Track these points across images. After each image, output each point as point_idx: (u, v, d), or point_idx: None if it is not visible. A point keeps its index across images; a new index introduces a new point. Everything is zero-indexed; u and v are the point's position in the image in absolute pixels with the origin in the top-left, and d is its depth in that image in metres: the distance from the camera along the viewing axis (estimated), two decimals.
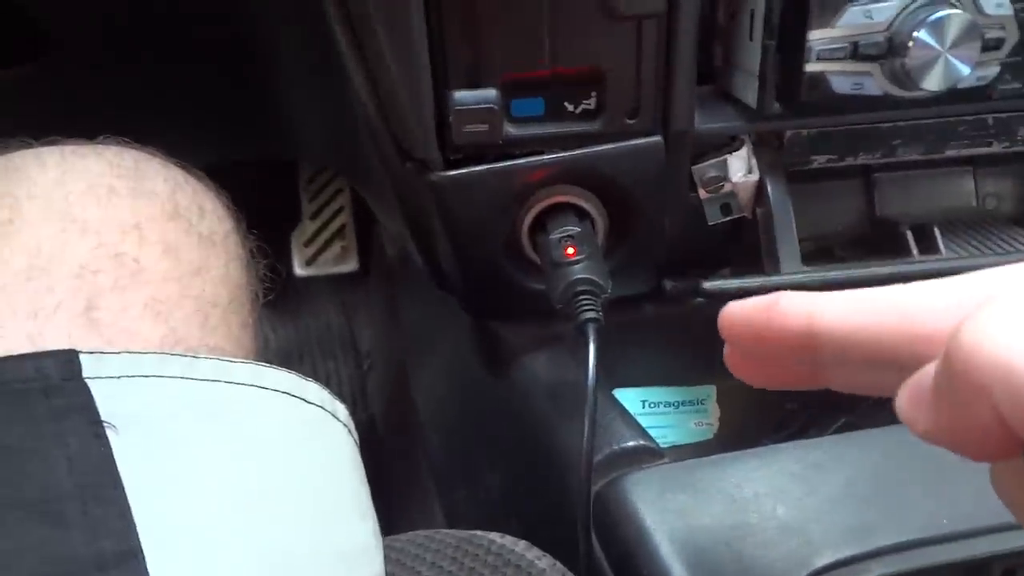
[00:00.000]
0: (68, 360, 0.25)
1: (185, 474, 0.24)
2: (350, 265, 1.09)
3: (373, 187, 0.57)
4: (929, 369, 0.17)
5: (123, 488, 0.23)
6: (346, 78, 0.42)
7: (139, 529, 0.23)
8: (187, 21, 0.65)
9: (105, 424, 0.24)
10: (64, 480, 0.23)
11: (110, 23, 0.65)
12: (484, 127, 0.39)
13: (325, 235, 1.10)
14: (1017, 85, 0.41)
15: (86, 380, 0.25)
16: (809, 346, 0.20)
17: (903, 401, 0.18)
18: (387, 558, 0.35)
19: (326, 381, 1.03)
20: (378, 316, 1.03)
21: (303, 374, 0.29)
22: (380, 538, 0.31)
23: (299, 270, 1.08)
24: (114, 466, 0.23)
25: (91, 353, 0.25)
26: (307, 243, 1.10)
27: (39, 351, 0.25)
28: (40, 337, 0.26)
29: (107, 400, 0.24)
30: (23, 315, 0.27)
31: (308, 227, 1.11)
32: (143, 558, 0.22)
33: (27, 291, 0.27)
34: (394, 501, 0.76)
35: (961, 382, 0.15)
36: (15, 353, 0.25)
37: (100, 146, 0.34)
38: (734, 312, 0.21)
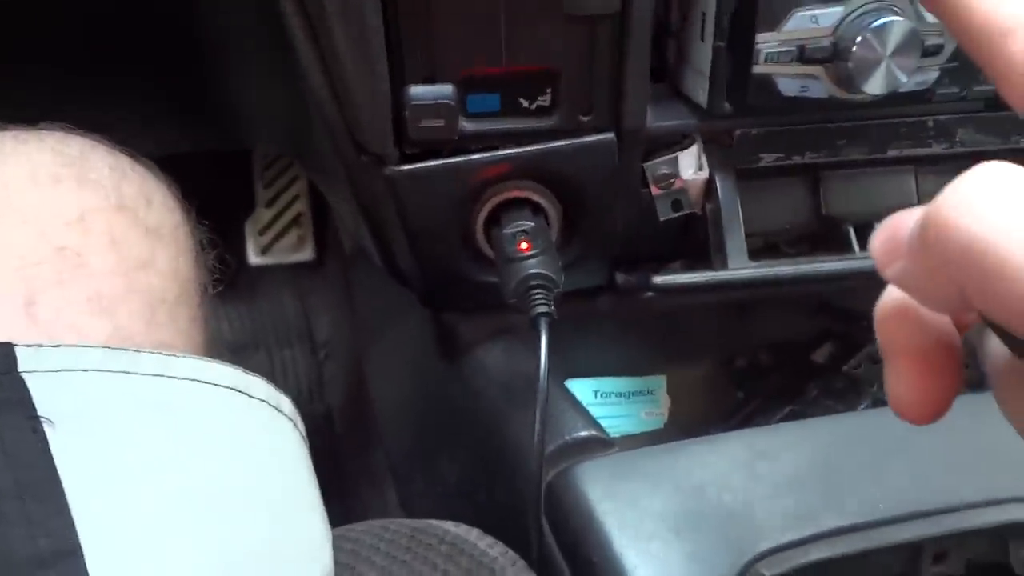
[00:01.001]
0: (3, 354, 0.24)
1: (126, 470, 0.24)
2: (306, 254, 1.08)
3: (328, 178, 0.57)
4: (906, 217, 0.17)
5: (61, 485, 0.23)
6: (302, 71, 0.42)
7: (78, 527, 0.23)
8: (139, 9, 0.64)
9: (42, 419, 0.23)
10: (0, 476, 0.23)
11: (60, 9, 0.64)
12: (440, 122, 0.39)
13: (281, 223, 1.09)
14: (955, 89, 0.43)
15: (22, 374, 0.24)
16: None
17: (876, 243, 0.18)
18: (342, 548, 0.36)
19: (282, 371, 1.02)
20: (335, 305, 1.02)
21: (259, 364, 0.29)
22: (329, 531, 0.31)
23: (254, 259, 1.06)
24: (52, 462, 0.23)
25: (28, 347, 0.25)
26: (262, 231, 1.09)
27: None
28: None
29: (45, 395, 0.24)
30: None
31: (263, 215, 1.09)
32: (82, 556, 0.22)
33: None
34: (350, 491, 0.77)
35: (932, 252, 0.15)
36: None
37: (43, 132, 0.33)
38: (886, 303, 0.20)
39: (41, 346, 0.25)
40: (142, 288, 0.30)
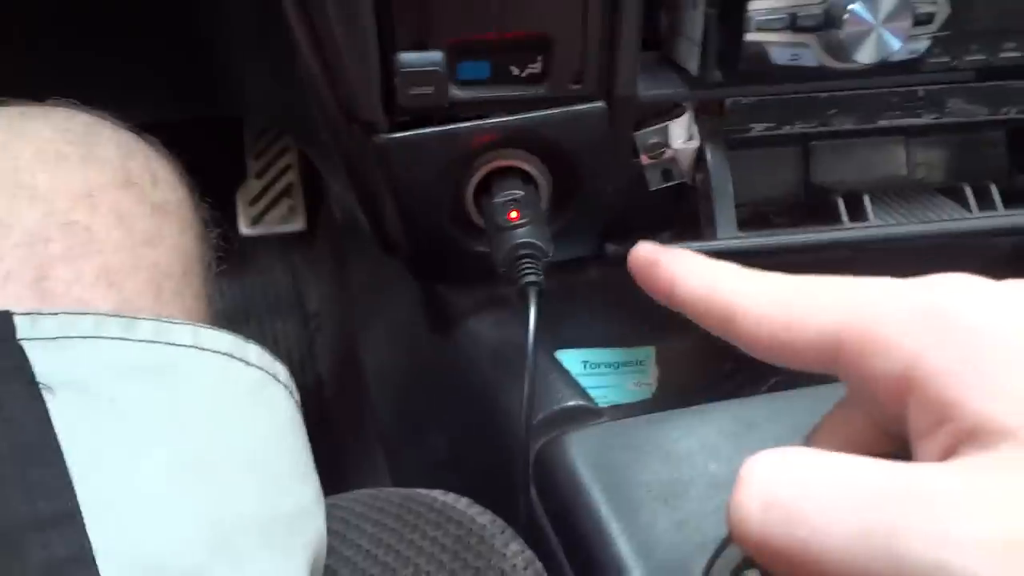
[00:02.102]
0: (2, 321, 0.24)
1: (123, 436, 0.24)
2: (297, 224, 1.08)
3: (319, 147, 0.57)
4: None
5: (60, 449, 0.23)
6: (291, 37, 0.41)
7: (77, 490, 0.23)
8: None
9: (41, 385, 0.24)
10: (0, 442, 0.23)
11: None
12: (430, 90, 0.39)
13: (271, 194, 1.08)
14: (946, 59, 0.43)
15: (20, 342, 0.24)
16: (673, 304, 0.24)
17: None
18: (333, 516, 0.36)
19: (273, 341, 1.02)
20: (325, 276, 1.02)
21: (250, 335, 0.29)
22: (322, 499, 0.31)
23: (244, 229, 1.06)
24: (51, 427, 0.23)
25: (26, 314, 0.25)
26: (253, 202, 1.08)
27: None
28: None
29: (43, 361, 0.24)
30: None
31: (254, 185, 1.09)
32: (81, 519, 0.23)
33: None
34: (340, 460, 0.77)
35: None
36: None
37: (48, 108, 0.33)
38: (634, 256, 0.26)
39: (40, 313, 0.25)
40: (148, 264, 0.30)
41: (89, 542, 0.22)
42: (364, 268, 0.80)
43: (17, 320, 0.25)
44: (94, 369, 0.25)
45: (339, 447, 0.78)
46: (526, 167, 0.43)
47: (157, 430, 0.25)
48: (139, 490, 0.24)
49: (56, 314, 0.25)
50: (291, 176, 1.10)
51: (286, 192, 1.09)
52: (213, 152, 1.02)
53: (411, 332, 0.62)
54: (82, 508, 0.22)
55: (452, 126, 0.41)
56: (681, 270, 0.24)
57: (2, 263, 0.27)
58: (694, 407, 0.43)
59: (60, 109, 0.34)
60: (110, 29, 0.66)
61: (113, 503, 0.23)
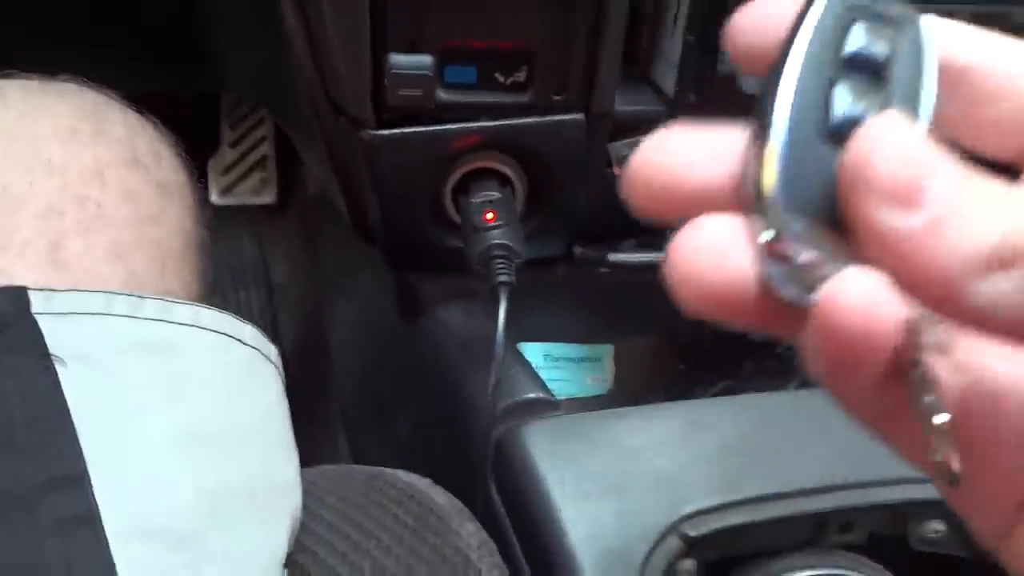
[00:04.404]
0: (18, 297, 0.26)
1: (128, 406, 0.26)
2: (268, 197, 1.08)
3: (302, 131, 0.58)
4: None
5: (71, 417, 0.25)
6: (285, 29, 0.43)
7: (85, 455, 0.25)
8: None
9: (54, 357, 0.25)
10: (15, 409, 0.25)
11: None
12: (418, 92, 0.41)
13: (244, 165, 1.08)
14: None
15: (35, 316, 0.26)
16: None
17: None
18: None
19: (236, 311, 1.03)
20: (294, 250, 1.03)
21: (212, 303, 0.31)
22: (299, 472, 0.33)
23: (215, 198, 1.06)
24: (62, 397, 0.25)
25: (40, 290, 0.27)
26: (225, 171, 1.08)
27: None
28: (9, 272, 0.28)
29: (55, 335, 0.26)
30: None
31: (227, 155, 1.09)
32: (89, 482, 0.24)
33: None
34: (300, 434, 0.78)
35: None
36: None
37: (62, 84, 0.35)
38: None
39: (53, 290, 0.26)
40: (153, 240, 0.32)
41: (96, 503, 0.24)
42: (334, 244, 0.81)
43: (32, 295, 0.26)
44: (103, 344, 0.27)
45: (298, 421, 0.79)
46: (504, 169, 0.45)
47: (159, 403, 0.27)
48: (141, 457, 0.26)
49: (68, 291, 0.27)
50: (265, 148, 1.10)
51: (259, 164, 1.10)
52: (189, 118, 1.02)
53: (379, 314, 0.64)
54: (89, 472, 0.24)
55: (437, 127, 0.43)
56: None
57: (20, 232, 0.29)
58: (645, 406, 0.46)
59: (72, 85, 0.35)
60: (92, 3, 0.67)
61: (118, 468, 0.25)
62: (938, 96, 0.16)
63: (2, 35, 0.64)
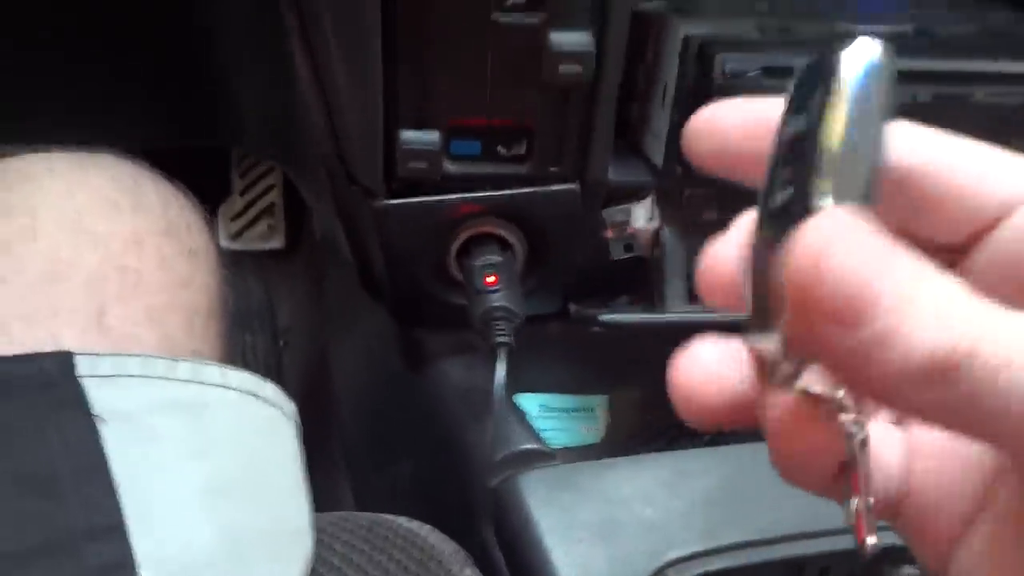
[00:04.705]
0: (65, 360, 0.29)
1: (162, 461, 0.29)
2: (276, 243, 1.11)
3: (314, 191, 0.62)
4: None
5: (110, 471, 0.28)
6: (301, 102, 0.46)
7: (123, 506, 0.27)
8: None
9: (96, 416, 0.28)
10: (61, 462, 0.27)
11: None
12: (426, 164, 0.44)
13: (253, 211, 1.12)
14: None
15: (80, 378, 0.29)
16: None
17: None
18: None
19: (242, 354, 1.05)
20: (301, 295, 1.05)
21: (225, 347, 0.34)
22: (313, 520, 0.36)
23: (224, 243, 1.09)
24: (103, 452, 0.28)
25: (85, 355, 0.30)
26: (234, 218, 1.12)
27: (41, 352, 0.29)
28: (58, 336, 0.31)
29: (98, 395, 0.29)
30: (44, 315, 0.31)
31: (237, 202, 1.12)
32: (126, 531, 0.27)
33: (48, 294, 0.32)
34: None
35: None
36: (34, 350, 0.29)
37: (99, 157, 0.38)
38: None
39: (97, 355, 0.30)
40: (184, 303, 0.35)
41: (132, 550, 0.27)
42: (339, 291, 0.84)
43: (78, 359, 0.29)
44: (140, 403, 0.30)
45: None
46: (504, 234, 0.49)
47: (189, 457, 0.30)
48: (174, 507, 0.29)
49: (110, 355, 0.30)
50: (274, 196, 1.13)
51: (268, 211, 1.13)
52: (201, 166, 1.06)
53: (383, 362, 0.67)
54: (127, 521, 0.27)
55: (443, 197, 0.46)
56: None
57: (69, 299, 0.32)
58: (634, 456, 0.49)
59: (108, 157, 0.39)
60: (107, 57, 0.70)
61: (152, 517, 0.28)
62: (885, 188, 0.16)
63: (22, 90, 0.68)
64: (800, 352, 0.15)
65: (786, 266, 0.14)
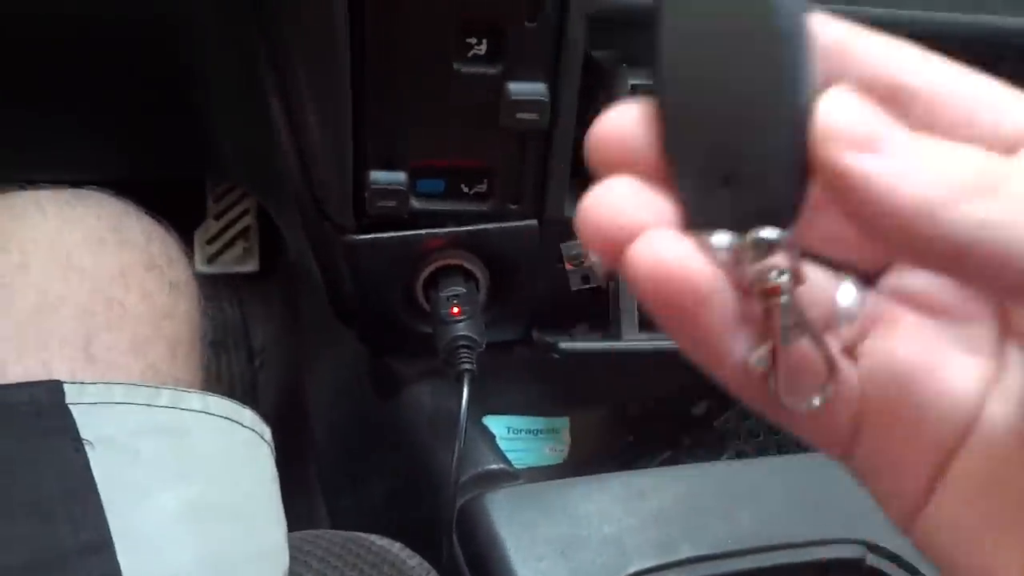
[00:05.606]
0: (54, 389, 0.31)
1: (146, 483, 0.32)
2: (250, 266, 1.13)
3: (287, 220, 0.64)
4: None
5: (98, 492, 0.30)
6: (278, 143, 0.49)
7: (110, 525, 0.30)
8: (114, 40, 0.68)
9: (84, 441, 0.31)
10: (52, 486, 0.30)
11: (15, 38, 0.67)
12: (394, 203, 0.47)
13: (228, 235, 1.13)
14: None
15: (69, 405, 0.31)
16: None
17: None
18: None
19: (216, 375, 1.07)
20: (275, 316, 1.07)
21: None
22: (286, 539, 0.39)
23: (200, 267, 1.11)
24: (91, 475, 0.30)
25: (72, 383, 0.32)
26: (210, 241, 1.14)
27: (32, 381, 0.32)
28: (48, 366, 0.33)
29: (85, 422, 0.31)
30: (35, 346, 0.34)
31: (212, 226, 1.14)
32: (113, 548, 0.29)
33: (39, 326, 0.34)
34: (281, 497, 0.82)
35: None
36: (25, 380, 0.31)
37: (86, 194, 0.40)
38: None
39: (83, 383, 0.32)
40: (167, 334, 0.37)
41: (119, 566, 0.29)
42: (313, 313, 0.86)
43: (66, 387, 0.32)
44: (125, 429, 0.32)
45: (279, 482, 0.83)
46: (468, 266, 0.51)
47: (171, 479, 0.32)
48: (157, 526, 0.31)
49: (95, 383, 0.32)
50: (249, 220, 1.15)
51: (243, 234, 1.15)
52: (176, 191, 1.07)
53: (355, 385, 0.69)
54: (113, 539, 0.29)
55: (411, 232, 0.49)
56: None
57: (59, 330, 0.34)
58: (594, 475, 0.51)
59: (95, 194, 0.41)
60: (93, 94, 0.72)
61: (137, 536, 0.30)
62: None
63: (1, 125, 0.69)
64: (830, 187, 0.15)
65: (817, 110, 0.15)
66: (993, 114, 0.16)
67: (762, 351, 0.16)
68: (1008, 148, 0.15)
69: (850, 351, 0.18)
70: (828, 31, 0.16)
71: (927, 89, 0.16)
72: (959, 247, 0.14)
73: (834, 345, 0.17)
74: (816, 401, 0.17)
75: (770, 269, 0.16)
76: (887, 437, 0.17)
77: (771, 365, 0.16)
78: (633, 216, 0.16)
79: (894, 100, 0.16)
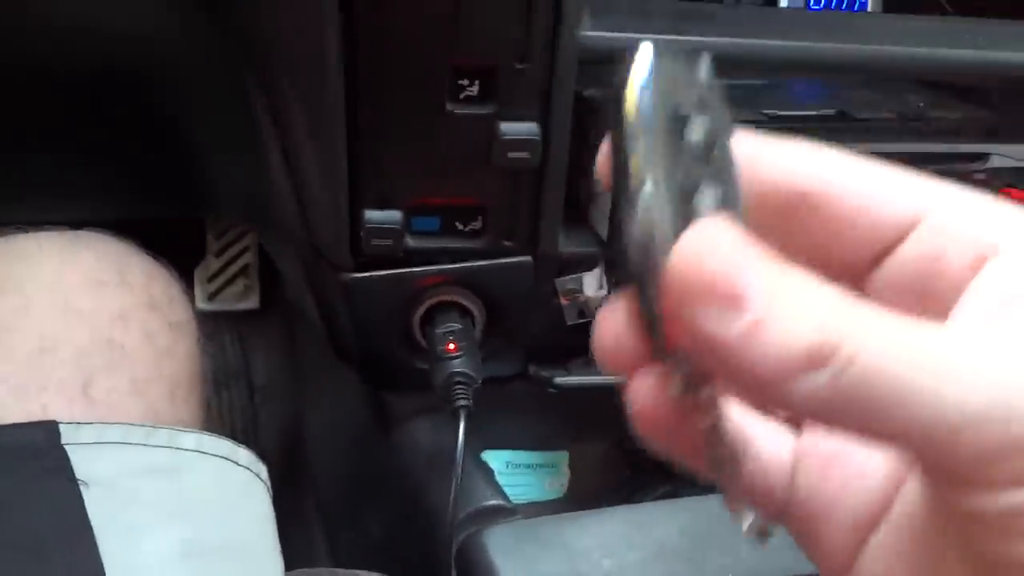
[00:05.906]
0: (51, 430, 0.32)
1: (141, 522, 0.32)
2: (251, 303, 1.14)
3: (285, 258, 0.65)
4: None
5: (92, 532, 0.30)
6: (275, 185, 0.50)
7: (104, 565, 0.30)
8: (108, 80, 0.69)
9: (79, 481, 0.31)
10: (47, 525, 0.30)
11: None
12: (389, 242, 0.48)
13: (229, 273, 1.14)
14: None
15: (64, 446, 0.32)
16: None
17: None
18: None
19: (217, 412, 1.07)
20: (276, 353, 1.07)
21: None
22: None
23: (200, 304, 1.12)
24: (86, 515, 0.30)
25: (68, 424, 0.32)
26: (210, 279, 1.14)
27: (29, 422, 0.32)
28: (46, 408, 0.33)
29: (80, 462, 0.32)
30: (35, 388, 0.34)
31: (212, 263, 1.15)
32: None
33: (38, 369, 0.34)
34: (280, 533, 0.82)
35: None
36: (25, 420, 0.32)
37: (87, 236, 0.41)
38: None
39: (79, 424, 0.32)
40: (167, 374, 0.38)
41: None
42: (313, 349, 0.86)
43: (62, 428, 0.32)
44: (120, 469, 0.32)
45: (278, 517, 0.83)
46: (464, 302, 0.52)
47: (166, 519, 0.33)
48: (152, 566, 0.31)
49: (91, 424, 0.33)
50: (249, 257, 1.16)
51: (243, 272, 1.15)
52: (177, 229, 1.08)
53: (354, 420, 0.70)
54: None
55: (406, 270, 0.49)
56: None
57: (58, 372, 0.35)
58: (594, 510, 0.52)
59: (95, 236, 0.41)
60: (92, 137, 0.73)
61: (130, 574, 0.30)
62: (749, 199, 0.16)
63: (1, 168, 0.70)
64: (681, 347, 0.16)
65: (669, 263, 0.15)
66: (880, 205, 0.17)
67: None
68: (899, 234, 0.17)
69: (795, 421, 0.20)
70: (742, 147, 0.17)
71: (820, 190, 0.17)
72: (804, 413, 0.16)
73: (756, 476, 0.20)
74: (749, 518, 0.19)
75: (703, 406, 0.17)
76: (812, 506, 0.19)
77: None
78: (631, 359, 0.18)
79: (790, 207, 0.17)
